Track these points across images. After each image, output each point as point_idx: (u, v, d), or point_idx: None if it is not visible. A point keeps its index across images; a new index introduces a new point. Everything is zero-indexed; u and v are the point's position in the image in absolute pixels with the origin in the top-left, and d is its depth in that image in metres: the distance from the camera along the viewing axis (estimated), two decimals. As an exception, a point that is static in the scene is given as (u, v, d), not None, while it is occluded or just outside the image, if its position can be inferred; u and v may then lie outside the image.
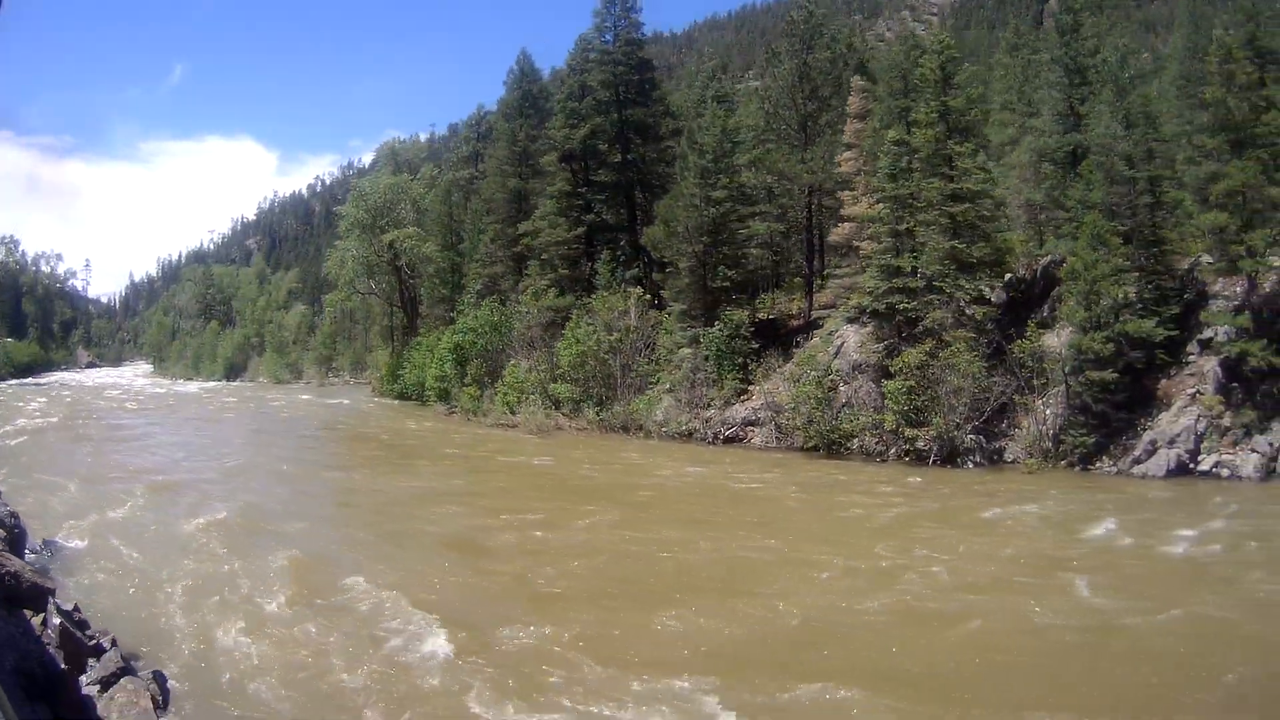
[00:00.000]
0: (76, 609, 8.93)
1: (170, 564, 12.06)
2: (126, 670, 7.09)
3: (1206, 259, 23.16)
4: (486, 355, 36.60)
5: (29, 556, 11.97)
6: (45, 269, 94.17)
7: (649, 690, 7.71)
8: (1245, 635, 8.71)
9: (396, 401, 45.02)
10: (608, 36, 38.89)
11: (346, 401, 46.78)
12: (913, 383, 21.07)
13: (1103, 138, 22.71)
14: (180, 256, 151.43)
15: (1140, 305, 22.78)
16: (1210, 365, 22.89)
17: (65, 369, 79.38)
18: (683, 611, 9.94)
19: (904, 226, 22.85)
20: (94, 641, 7.57)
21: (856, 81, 28.07)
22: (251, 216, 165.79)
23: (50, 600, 7.53)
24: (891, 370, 21.90)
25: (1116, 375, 20.58)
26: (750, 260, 31.62)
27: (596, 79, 38.13)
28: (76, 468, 21.24)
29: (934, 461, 21.44)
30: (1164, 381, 23.23)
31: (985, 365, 21.63)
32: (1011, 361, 21.61)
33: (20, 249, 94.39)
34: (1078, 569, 11.04)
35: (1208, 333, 22.96)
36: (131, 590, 10.98)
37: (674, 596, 10.65)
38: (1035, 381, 21.33)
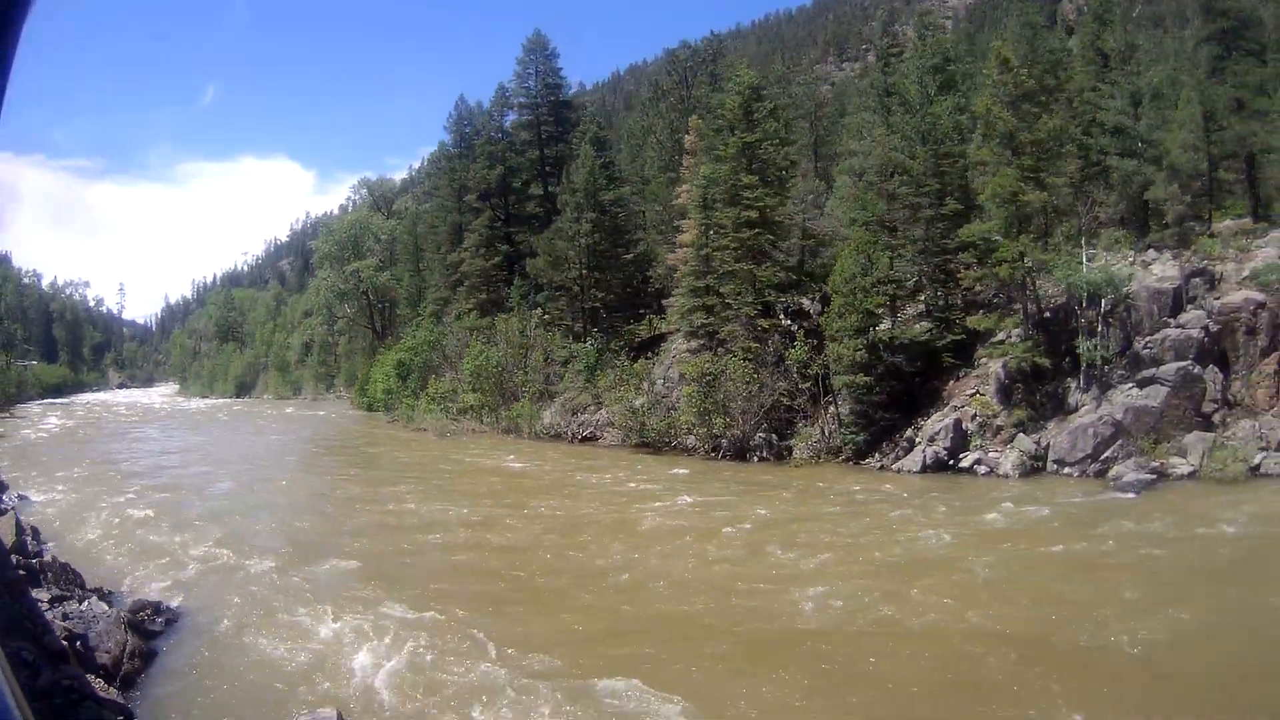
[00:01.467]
0: (17, 510, 16.07)
1: (88, 502, 20.16)
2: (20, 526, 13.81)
3: (1028, 263, 26.40)
4: (424, 370, 43.33)
5: (4, 500, 19.44)
6: (76, 296, 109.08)
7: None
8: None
9: (364, 412, 52.37)
10: (530, 82, 45.45)
11: (323, 413, 54.68)
12: (694, 388, 26.30)
13: (881, 159, 27.46)
14: (214, 279, 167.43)
15: (925, 312, 27.23)
16: (995, 367, 26.95)
17: (96, 390, 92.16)
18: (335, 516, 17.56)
19: (704, 252, 28.20)
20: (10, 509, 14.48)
21: (694, 120, 33.57)
22: (284, 238, 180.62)
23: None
24: (686, 378, 27.21)
25: (870, 379, 25.10)
26: (634, 282, 37.35)
27: (518, 121, 44.77)
28: (60, 454, 29.42)
29: (723, 455, 26.50)
30: (952, 383, 27.41)
31: (770, 372, 26.61)
32: (791, 368, 26.52)
33: (51, 277, 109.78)
34: (557, 522, 16.98)
35: (1000, 335, 26.90)
36: (51, 510, 19.16)
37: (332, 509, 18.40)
38: (807, 386, 26.16)
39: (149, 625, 11.33)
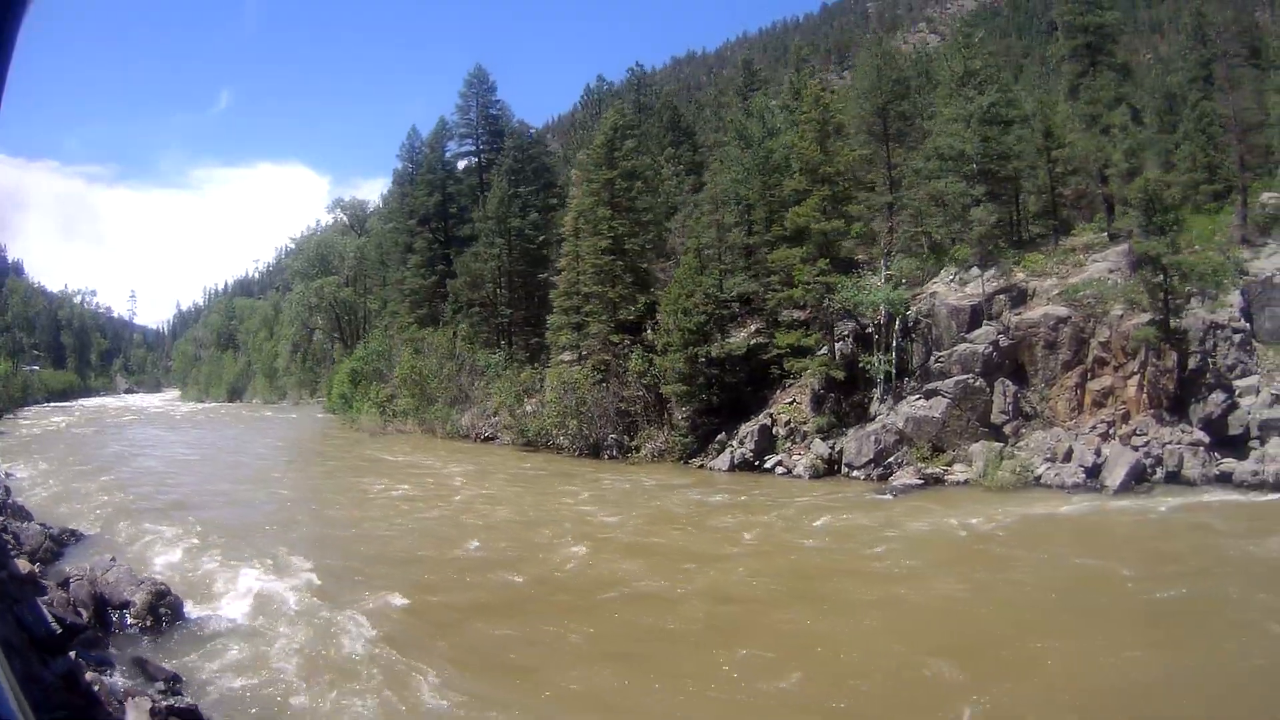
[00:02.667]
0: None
1: (54, 473, 28.77)
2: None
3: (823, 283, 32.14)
4: (374, 376, 51.57)
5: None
6: (84, 303, 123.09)
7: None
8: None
9: (330, 415, 60.99)
10: (471, 114, 53.37)
11: (294, 416, 63.74)
12: (554, 395, 33.52)
13: (712, 191, 34.17)
14: (226, 285, 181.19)
15: (758, 329, 33.75)
16: (813, 379, 33.00)
17: (103, 394, 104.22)
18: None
19: (570, 276, 35.44)
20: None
21: (580, 156, 40.82)
22: (294, 245, 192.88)
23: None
24: (550, 386, 34.48)
25: (691, 388, 31.70)
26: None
27: (458, 151, 52.82)
28: (47, 445, 38.59)
29: (581, 454, 33.50)
30: (779, 392, 33.60)
31: (618, 381, 33.60)
32: (633, 378, 33.51)
33: (62, 285, 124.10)
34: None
35: (825, 349, 32.96)
36: (26, 481, 27.42)
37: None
38: (640, 395, 33.13)
39: (65, 541, 19.20)
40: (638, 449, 33.36)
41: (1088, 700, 9.37)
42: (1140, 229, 26.90)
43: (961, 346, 27.75)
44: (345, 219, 70.69)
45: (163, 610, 13.30)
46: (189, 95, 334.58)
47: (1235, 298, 27.66)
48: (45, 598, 12.56)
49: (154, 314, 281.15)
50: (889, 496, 23.45)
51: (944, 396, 26.98)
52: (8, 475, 29.60)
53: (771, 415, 31.91)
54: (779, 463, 29.26)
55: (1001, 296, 29.27)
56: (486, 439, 39.89)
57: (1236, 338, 26.54)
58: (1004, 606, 13.01)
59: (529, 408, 37.43)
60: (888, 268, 32.39)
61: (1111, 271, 29.07)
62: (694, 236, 33.75)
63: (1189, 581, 13.78)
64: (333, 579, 13.95)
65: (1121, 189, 31.11)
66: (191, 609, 13.46)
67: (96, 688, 8.56)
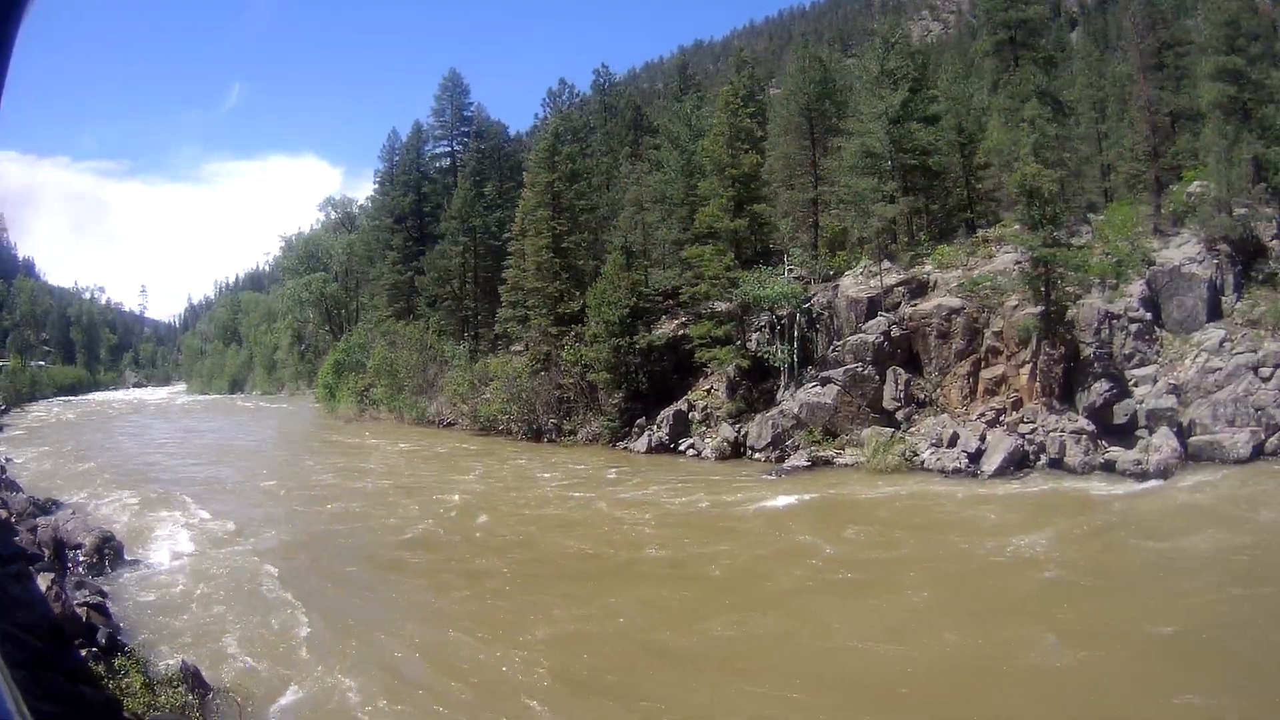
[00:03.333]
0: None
1: (46, 455, 33.67)
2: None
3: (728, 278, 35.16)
4: (356, 367, 56.16)
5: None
6: (95, 300, 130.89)
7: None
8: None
9: (320, 405, 65.83)
10: (445, 116, 57.44)
11: (286, 406, 68.69)
12: (498, 383, 37.57)
13: (636, 190, 37.75)
14: (237, 278, 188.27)
15: (681, 320, 37.39)
16: (730, 367, 36.06)
17: (112, 389, 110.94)
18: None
19: (519, 271, 39.38)
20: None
21: (529, 159, 44.61)
22: (284, 243, 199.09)
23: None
24: (493, 375, 38.54)
25: (614, 376, 35.33)
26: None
27: (434, 152, 56.93)
28: (46, 435, 43.66)
29: (523, 437, 37.51)
30: (701, 380, 36.94)
31: (555, 370, 37.50)
32: (569, 367, 37.35)
33: (71, 281, 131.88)
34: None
35: (738, 340, 36.15)
36: (20, 464, 31.83)
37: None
38: (572, 382, 37.01)
39: (47, 507, 23.71)
40: (573, 433, 37.14)
41: (637, 649, 11.62)
42: (1022, 222, 28.77)
43: (855, 337, 29.92)
44: (336, 216, 75.51)
45: (107, 551, 17.58)
46: (201, 90, 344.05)
47: (1136, 287, 29.12)
48: (16, 538, 16.97)
49: (165, 308, 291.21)
50: (774, 476, 25.40)
51: (836, 384, 29.20)
52: (7, 460, 34.52)
53: (689, 401, 35.15)
54: (690, 445, 32.31)
55: (901, 288, 31.30)
56: (448, 425, 44.15)
57: (1134, 327, 27.94)
58: (667, 569, 15.67)
59: (486, 395, 41.52)
60: (788, 263, 35.62)
61: (1018, 263, 29.92)
62: (622, 234, 37.47)
63: (881, 568, 15.08)
64: (239, 527, 18.38)
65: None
66: (131, 551, 17.74)
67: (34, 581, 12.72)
